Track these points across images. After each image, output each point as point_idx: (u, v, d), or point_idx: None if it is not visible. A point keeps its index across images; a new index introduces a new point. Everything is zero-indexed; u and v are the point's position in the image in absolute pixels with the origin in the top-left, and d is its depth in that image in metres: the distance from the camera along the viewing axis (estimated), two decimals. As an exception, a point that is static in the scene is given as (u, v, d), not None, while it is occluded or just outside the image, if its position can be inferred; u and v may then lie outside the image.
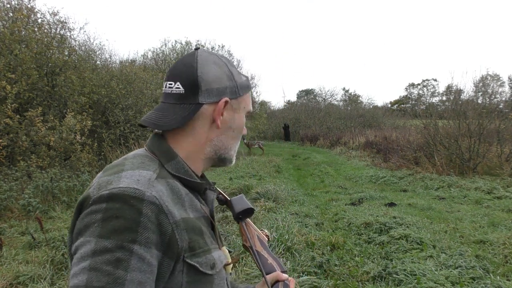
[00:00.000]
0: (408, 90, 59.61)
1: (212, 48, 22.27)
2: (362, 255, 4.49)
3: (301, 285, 3.44)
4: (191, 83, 0.85)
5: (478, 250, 4.48)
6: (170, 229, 0.73)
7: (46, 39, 9.99)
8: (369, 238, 5.08)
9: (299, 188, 9.26)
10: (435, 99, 49.59)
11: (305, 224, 5.61)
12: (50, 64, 10.08)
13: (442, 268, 3.92)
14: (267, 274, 1.01)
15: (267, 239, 1.09)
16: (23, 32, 9.68)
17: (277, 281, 1.02)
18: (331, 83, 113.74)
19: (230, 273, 0.96)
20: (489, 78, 15.78)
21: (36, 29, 10.11)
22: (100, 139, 10.71)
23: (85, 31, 29.23)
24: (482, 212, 6.37)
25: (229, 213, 5.62)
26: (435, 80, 57.00)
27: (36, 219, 5.22)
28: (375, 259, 4.34)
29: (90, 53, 13.34)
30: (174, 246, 0.74)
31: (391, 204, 7.03)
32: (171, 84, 0.86)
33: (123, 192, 0.71)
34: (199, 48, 0.92)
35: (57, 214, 6.26)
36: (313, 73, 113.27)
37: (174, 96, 0.86)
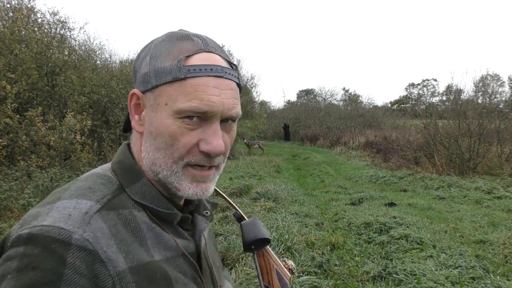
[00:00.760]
0: (408, 90, 59.64)
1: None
2: (362, 255, 4.49)
3: (301, 285, 3.44)
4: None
5: (478, 250, 4.48)
6: (110, 284, 0.55)
7: (46, 39, 9.98)
8: (369, 238, 5.08)
9: (299, 188, 9.26)
10: (435, 99, 49.62)
11: (305, 224, 5.61)
12: (50, 64, 10.07)
13: (442, 268, 3.92)
14: None
15: (289, 275, 0.86)
16: (23, 32, 9.68)
17: None
18: (331, 83, 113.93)
19: None
20: (489, 78, 15.79)
21: (36, 29, 10.11)
22: (100, 139, 10.71)
23: (85, 31, 29.22)
24: (482, 212, 6.37)
25: (229, 213, 5.62)
26: (435, 80, 57.06)
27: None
28: (375, 259, 4.34)
29: (90, 53, 13.32)
30: None
31: (391, 204, 7.03)
32: None
33: (44, 233, 0.54)
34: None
35: (57, 214, 6.26)
36: (313, 73, 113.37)
37: None
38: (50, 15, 10.70)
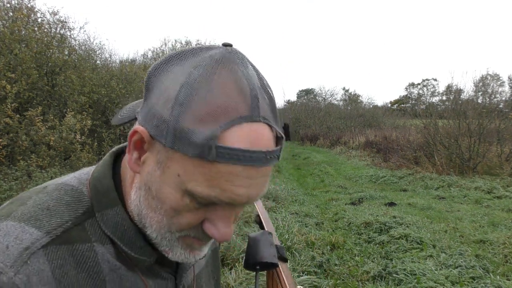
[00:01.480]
0: (408, 90, 59.63)
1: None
2: (362, 255, 4.50)
3: (301, 284, 3.44)
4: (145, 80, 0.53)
5: (478, 250, 4.48)
6: None
7: (46, 38, 9.99)
8: (369, 237, 5.09)
9: (299, 187, 9.27)
10: (435, 99, 49.53)
11: (305, 224, 5.62)
12: (50, 64, 10.08)
13: (442, 267, 3.92)
14: None
15: None
16: (23, 32, 9.68)
17: None
18: (331, 83, 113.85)
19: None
20: (489, 77, 15.80)
21: (36, 28, 10.11)
22: (100, 139, 10.71)
23: (85, 31, 29.25)
24: (482, 212, 6.38)
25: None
26: (435, 80, 57.01)
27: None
28: (375, 259, 4.34)
29: (90, 52, 13.33)
30: None
31: (391, 204, 7.03)
32: None
33: None
34: (229, 45, 0.52)
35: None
36: (313, 72, 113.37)
37: None
38: (50, 14, 10.71)
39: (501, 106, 13.07)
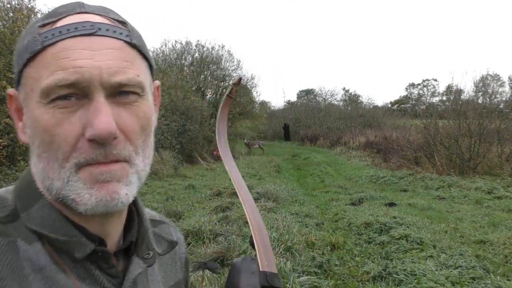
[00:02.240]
0: (408, 90, 59.63)
1: (212, 48, 22.07)
2: (362, 255, 4.50)
3: (301, 285, 3.44)
4: None
5: (478, 250, 4.48)
6: None
7: (46, 39, 10.01)
8: (369, 238, 5.09)
9: (299, 188, 9.27)
10: (435, 99, 49.59)
11: (305, 224, 5.62)
12: (50, 64, 10.10)
13: (442, 268, 3.92)
14: None
15: None
16: (23, 32, 9.71)
17: None
18: (331, 83, 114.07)
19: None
20: (489, 78, 15.84)
21: (36, 29, 10.13)
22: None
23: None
24: (482, 212, 6.38)
25: (229, 213, 5.62)
26: (435, 80, 57.00)
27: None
28: (375, 259, 4.34)
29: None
30: None
31: (391, 204, 7.03)
32: None
33: None
34: None
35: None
36: (313, 73, 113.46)
37: None
38: (50, 15, 10.73)
39: (501, 106, 13.10)
